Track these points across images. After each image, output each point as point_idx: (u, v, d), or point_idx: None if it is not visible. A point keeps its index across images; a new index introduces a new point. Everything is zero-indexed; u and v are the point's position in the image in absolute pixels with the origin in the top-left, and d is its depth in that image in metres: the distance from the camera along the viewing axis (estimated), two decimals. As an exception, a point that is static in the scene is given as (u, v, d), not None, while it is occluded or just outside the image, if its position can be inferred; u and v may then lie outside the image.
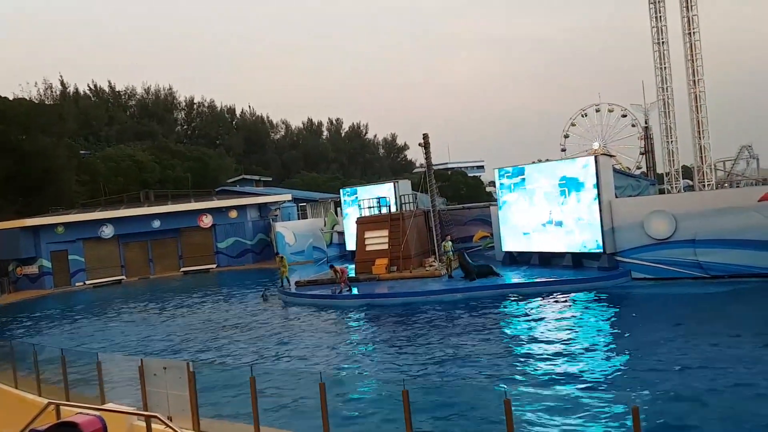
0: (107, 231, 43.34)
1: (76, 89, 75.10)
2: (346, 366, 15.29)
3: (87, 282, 42.48)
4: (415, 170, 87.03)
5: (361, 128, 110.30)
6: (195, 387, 9.22)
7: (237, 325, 21.95)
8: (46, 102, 64.49)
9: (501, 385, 11.71)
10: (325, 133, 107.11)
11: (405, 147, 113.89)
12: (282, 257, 30.05)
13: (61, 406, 8.07)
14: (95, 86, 78.54)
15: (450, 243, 26.55)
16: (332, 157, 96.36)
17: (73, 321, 27.22)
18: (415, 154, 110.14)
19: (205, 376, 13.35)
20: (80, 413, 5.89)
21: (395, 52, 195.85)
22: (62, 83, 73.46)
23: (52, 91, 71.03)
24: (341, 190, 40.20)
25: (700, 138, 38.86)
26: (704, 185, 38.79)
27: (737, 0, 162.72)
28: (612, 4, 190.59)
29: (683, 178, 41.76)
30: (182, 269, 45.09)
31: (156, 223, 44.52)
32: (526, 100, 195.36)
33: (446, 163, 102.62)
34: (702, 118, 38.72)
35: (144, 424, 7.98)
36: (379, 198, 33.08)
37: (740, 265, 20.38)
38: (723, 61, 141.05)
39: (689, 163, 42.70)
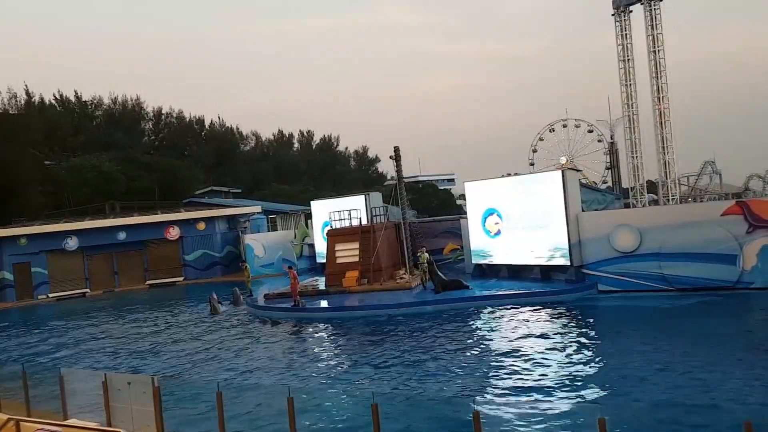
0: (71, 243, 42.48)
1: (42, 99, 73.58)
2: (313, 379, 15.16)
3: (50, 295, 41.53)
4: (387, 183, 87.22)
5: (333, 140, 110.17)
6: (160, 402, 9.08)
7: (203, 339, 21.64)
8: (11, 111, 63.10)
9: (469, 398, 11.74)
10: (296, 145, 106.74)
11: (376, 159, 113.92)
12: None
13: (21, 422, 7.88)
14: (61, 96, 77.08)
15: (427, 255, 26.56)
16: (303, 169, 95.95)
17: (35, 334, 26.56)
18: (386, 167, 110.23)
19: (171, 391, 13.15)
20: (41, 429, 5.76)
21: (366, 66, 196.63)
22: (27, 92, 72.00)
23: (16, 101, 69.45)
24: (312, 203, 40.06)
25: (664, 153, 39.61)
26: (669, 200, 39.53)
27: (701, 19, 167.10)
28: (579, 22, 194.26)
29: (648, 193, 42.45)
30: (148, 282, 44.34)
31: (122, 235, 43.76)
32: (495, 115, 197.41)
33: (417, 176, 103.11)
34: (666, 134, 39.50)
35: (107, 439, 7.83)
36: (350, 211, 32.99)
37: (704, 278, 20.80)
38: (687, 77, 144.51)
39: (654, 177, 43.47)
